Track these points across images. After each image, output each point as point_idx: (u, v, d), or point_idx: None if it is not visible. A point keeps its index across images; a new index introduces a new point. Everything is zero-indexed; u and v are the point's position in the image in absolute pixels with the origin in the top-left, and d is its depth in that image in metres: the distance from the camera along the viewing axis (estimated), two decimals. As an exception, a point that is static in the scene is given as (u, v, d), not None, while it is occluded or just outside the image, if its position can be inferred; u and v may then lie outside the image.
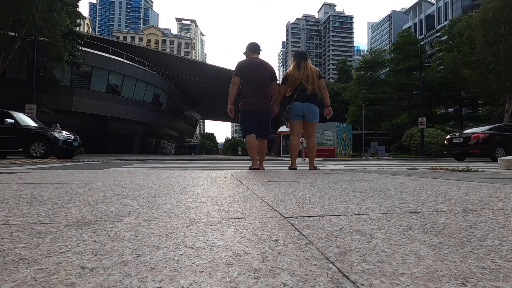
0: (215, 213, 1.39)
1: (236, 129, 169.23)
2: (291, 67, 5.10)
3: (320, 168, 5.64)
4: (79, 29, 23.95)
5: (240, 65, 4.86)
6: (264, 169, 5.13)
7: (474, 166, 6.45)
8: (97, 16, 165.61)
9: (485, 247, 0.87)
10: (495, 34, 20.28)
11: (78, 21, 20.25)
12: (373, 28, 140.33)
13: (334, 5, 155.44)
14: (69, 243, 0.90)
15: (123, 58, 30.17)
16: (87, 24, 71.50)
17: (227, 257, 0.78)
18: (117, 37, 79.97)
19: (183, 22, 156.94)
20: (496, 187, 2.44)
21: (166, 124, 42.46)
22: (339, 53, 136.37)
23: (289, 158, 5.63)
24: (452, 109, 34.85)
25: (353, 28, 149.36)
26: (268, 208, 1.50)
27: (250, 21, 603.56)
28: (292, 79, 4.94)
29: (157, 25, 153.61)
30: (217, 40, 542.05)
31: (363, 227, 1.10)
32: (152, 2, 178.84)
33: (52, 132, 9.32)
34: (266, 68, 4.96)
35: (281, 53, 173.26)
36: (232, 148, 78.66)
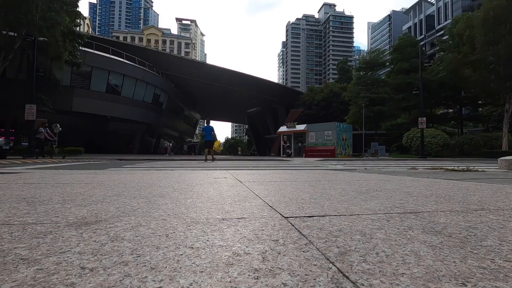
0: (215, 213, 1.39)
1: (236, 129, 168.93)
2: None
3: (320, 168, 5.64)
4: (79, 29, 23.91)
5: None
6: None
7: (474, 166, 6.44)
8: (97, 16, 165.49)
9: (485, 247, 0.87)
10: (496, 34, 20.19)
11: (78, 21, 20.21)
12: (373, 28, 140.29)
13: (334, 5, 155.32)
14: (69, 243, 0.90)
15: (123, 58, 30.13)
16: (87, 24, 71.42)
17: (227, 257, 0.78)
18: (117, 37, 79.86)
19: (183, 22, 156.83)
20: (496, 187, 2.44)
21: (166, 124, 42.41)
22: (339, 53, 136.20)
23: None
24: (452, 110, 34.79)
25: (353, 28, 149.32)
26: (268, 208, 1.50)
27: (250, 21, 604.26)
28: None
29: (157, 25, 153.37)
30: (217, 40, 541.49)
31: (363, 227, 1.10)
32: (152, 2, 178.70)
33: None
34: None
35: (281, 53, 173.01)
36: (232, 148, 78.44)
